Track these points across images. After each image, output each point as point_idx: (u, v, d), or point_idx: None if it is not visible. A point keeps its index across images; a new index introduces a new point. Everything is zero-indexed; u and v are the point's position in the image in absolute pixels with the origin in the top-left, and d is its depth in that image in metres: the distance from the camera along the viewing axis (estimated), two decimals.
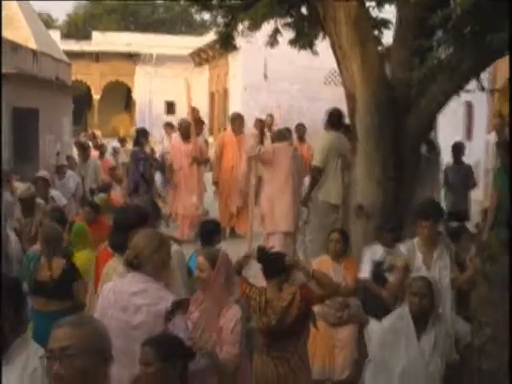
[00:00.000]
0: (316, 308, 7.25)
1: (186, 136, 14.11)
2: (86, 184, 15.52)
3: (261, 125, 11.81)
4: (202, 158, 14.04)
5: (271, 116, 18.44)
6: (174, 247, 6.12)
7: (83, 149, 16.84)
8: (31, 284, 7.61)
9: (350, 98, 8.71)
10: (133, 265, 5.11)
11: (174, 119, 32.02)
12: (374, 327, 7.64)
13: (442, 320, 5.96)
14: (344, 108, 9.33)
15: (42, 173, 13.69)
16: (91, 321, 3.21)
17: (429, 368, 5.67)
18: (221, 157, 14.46)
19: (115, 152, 20.74)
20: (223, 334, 5.43)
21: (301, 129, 16.51)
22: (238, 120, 14.68)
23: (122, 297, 5.01)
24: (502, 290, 6.19)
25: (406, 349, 5.68)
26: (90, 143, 19.91)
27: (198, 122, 14.94)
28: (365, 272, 7.82)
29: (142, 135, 14.66)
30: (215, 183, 14.69)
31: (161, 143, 20.90)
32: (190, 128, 13.99)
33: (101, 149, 19.24)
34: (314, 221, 10.52)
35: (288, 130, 13.60)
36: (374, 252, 7.84)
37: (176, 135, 17.99)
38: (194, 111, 15.48)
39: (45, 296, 7.44)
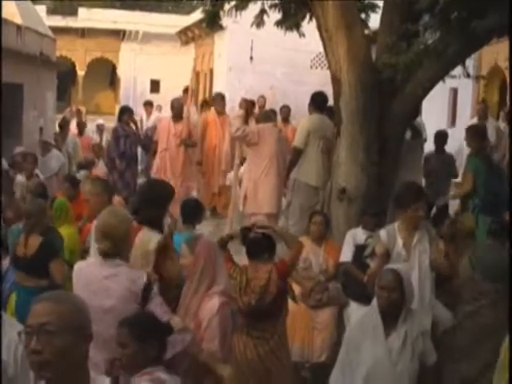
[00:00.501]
0: (296, 290, 7.29)
1: (177, 116, 13.60)
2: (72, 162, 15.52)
3: (246, 105, 11.70)
4: (190, 140, 13.59)
5: (263, 97, 18.36)
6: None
7: (62, 126, 16.77)
8: (12, 258, 7.63)
9: (336, 81, 8.69)
10: (110, 255, 5.09)
11: (159, 98, 32.00)
12: (354, 310, 7.72)
13: (414, 316, 5.60)
14: (330, 91, 9.31)
15: (20, 149, 13.64)
16: (71, 297, 3.14)
17: (396, 368, 5.30)
18: (204, 137, 14.35)
19: (99, 129, 20.66)
20: (201, 328, 5.35)
21: (285, 111, 16.44)
22: (219, 100, 14.59)
23: (92, 280, 4.99)
24: (496, 284, 6.20)
25: (373, 348, 5.32)
26: (75, 120, 19.87)
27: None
28: (346, 256, 7.82)
29: (124, 112, 14.58)
30: (198, 163, 14.55)
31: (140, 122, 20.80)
32: (183, 109, 13.79)
33: (80, 126, 19.16)
34: (295, 202, 10.51)
35: (273, 112, 13.57)
36: (357, 236, 7.85)
37: (158, 114, 17.87)
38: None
39: (23, 271, 7.43)
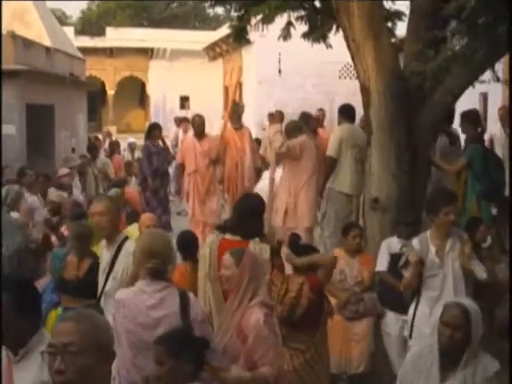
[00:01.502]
0: (332, 302, 7.26)
1: (200, 134, 13.10)
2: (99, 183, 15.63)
3: (280, 117, 11.31)
4: (218, 157, 12.92)
5: (322, 110, 17.96)
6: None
7: (90, 148, 16.88)
8: (57, 281, 7.66)
9: (365, 90, 8.67)
10: (160, 273, 5.06)
11: (189, 114, 32.06)
12: (391, 320, 7.70)
13: (479, 360, 4.82)
14: (359, 101, 9.28)
15: (64, 171, 13.79)
16: (94, 315, 3.15)
17: None
18: (224, 154, 13.25)
19: (131, 148, 20.78)
20: (248, 343, 5.22)
21: (315, 122, 16.23)
22: (235, 114, 13.56)
23: (138, 311, 4.89)
24: None
25: None
26: (107, 140, 20.05)
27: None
28: (382, 265, 7.81)
29: (153, 129, 14.57)
30: (220, 181, 13.44)
31: (175, 139, 20.68)
32: (204, 125, 13.35)
33: (112, 147, 19.27)
34: (330, 211, 10.49)
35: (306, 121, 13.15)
36: (391, 245, 7.83)
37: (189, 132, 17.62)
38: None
39: (70, 294, 7.44)
